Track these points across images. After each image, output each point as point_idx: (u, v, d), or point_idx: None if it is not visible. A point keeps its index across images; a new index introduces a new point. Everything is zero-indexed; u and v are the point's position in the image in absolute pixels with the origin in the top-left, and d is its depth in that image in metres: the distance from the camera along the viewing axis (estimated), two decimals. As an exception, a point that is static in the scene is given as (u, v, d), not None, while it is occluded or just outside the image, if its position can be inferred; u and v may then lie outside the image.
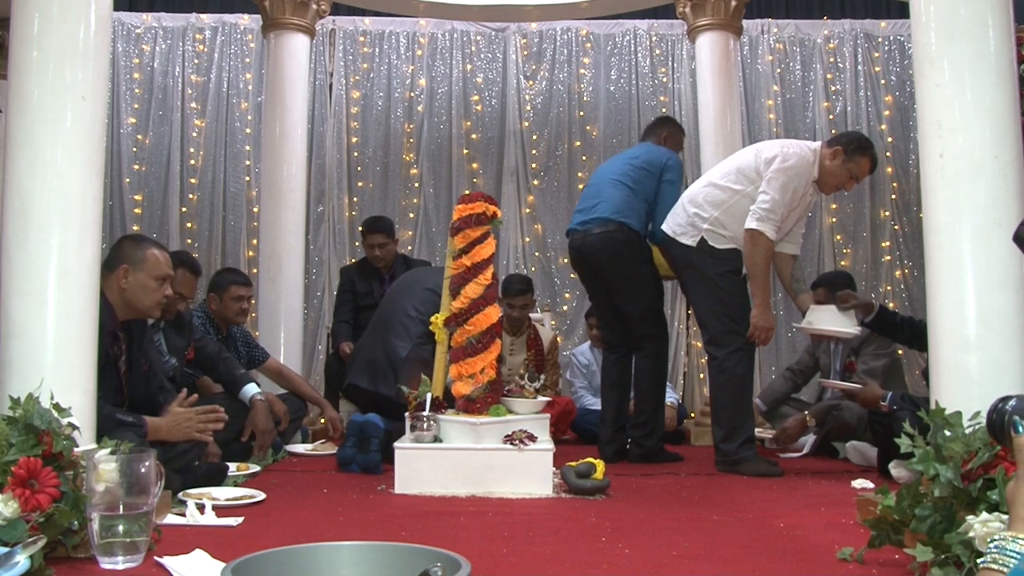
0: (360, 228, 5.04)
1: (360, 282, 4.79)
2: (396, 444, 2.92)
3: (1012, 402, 1.28)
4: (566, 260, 5.96)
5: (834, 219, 6.07)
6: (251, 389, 3.54)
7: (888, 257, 6.04)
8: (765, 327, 3.44)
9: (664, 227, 3.67)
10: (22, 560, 1.59)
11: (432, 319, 3.21)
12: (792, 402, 4.45)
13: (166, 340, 3.48)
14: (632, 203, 3.72)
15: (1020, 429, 1.23)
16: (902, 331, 3.69)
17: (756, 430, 4.16)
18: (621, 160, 3.92)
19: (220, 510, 2.41)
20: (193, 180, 5.99)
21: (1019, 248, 1.70)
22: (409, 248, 5.93)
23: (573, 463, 2.85)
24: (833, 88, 6.14)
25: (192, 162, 6.00)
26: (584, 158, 6.12)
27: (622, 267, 3.72)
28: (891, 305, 5.89)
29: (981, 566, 1.18)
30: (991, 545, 1.17)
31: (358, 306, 4.76)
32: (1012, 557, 1.12)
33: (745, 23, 5.33)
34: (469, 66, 6.15)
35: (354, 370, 3.84)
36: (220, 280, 4.01)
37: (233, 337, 4.08)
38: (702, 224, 3.52)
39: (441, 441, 2.94)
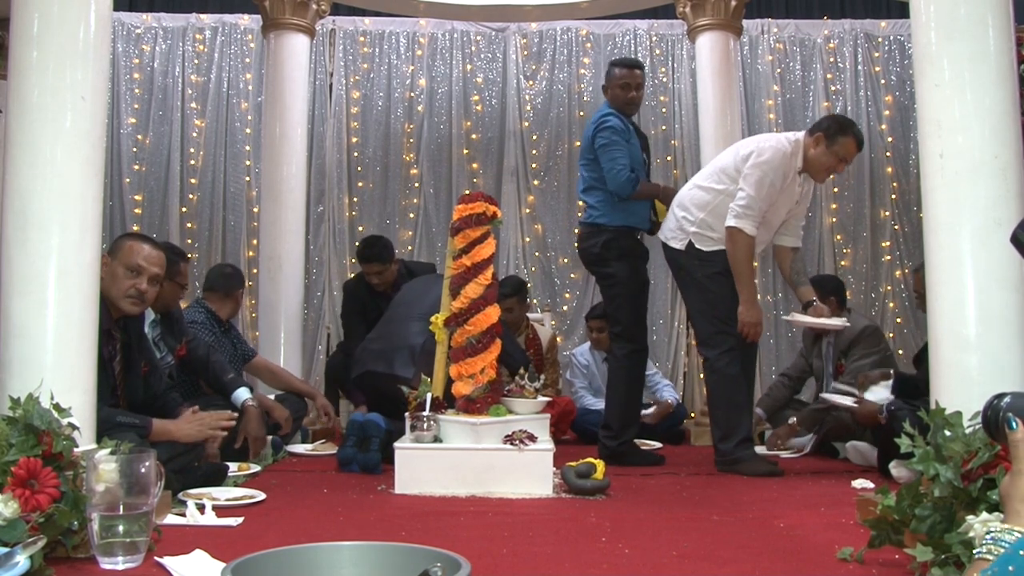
0: (356, 255, 4.86)
1: (372, 307, 4.55)
2: (396, 444, 2.92)
3: (1007, 399, 1.29)
4: (566, 260, 5.99)
5: (834, 219, 6.06)
6: (242, 394, 3.46)
7: (888, 257, 6.03)
8: (752, 322, 3.46)
9: (659, 235, 3.74)
10: (22, 560, 1.59)
11: (432, 319, 3.21)
12: (794, 403, 4.45)
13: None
14: (603, 199, 3.76)
15: (1014, 425, 1.24)
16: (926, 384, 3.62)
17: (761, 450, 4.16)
18: (583, 153, 3.91)
19: (220, 510, 2.41)
20: (193, 180, 5.98)
21: (1016, 250, 1.70)
22: (409, 248, 5.93)
23: (573, 463, 2.85)
24: (833, 88, 6.13)
25: (192, 162, 5.99)
26: (584, 158, 6.11)
27: (597, 264, 3.83)
28: (891, 305, 5.90)
29: (976, 557, 1.19)
30: (987, 536, 1.18)
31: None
32: (1005, 548, 1.13)
33: (745, 23, 5.33)
34: (469, 66, 6.15)
35: (365, 359, 3.81)
36: (229, 284, 4.03)
37: (232, 330, 4.10)
38: (689, 227, 3.55)
39: (441, 441, 2.94)
